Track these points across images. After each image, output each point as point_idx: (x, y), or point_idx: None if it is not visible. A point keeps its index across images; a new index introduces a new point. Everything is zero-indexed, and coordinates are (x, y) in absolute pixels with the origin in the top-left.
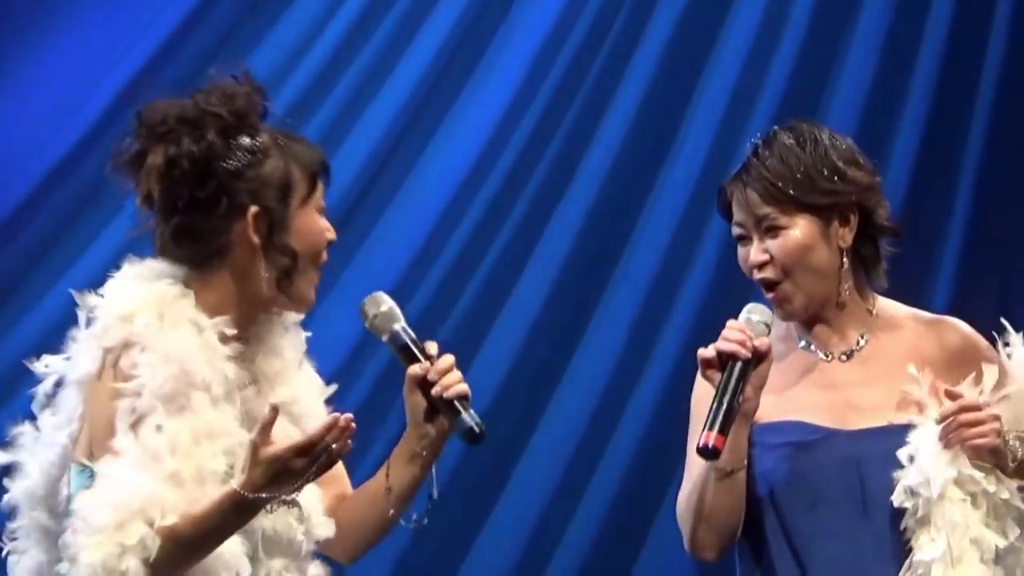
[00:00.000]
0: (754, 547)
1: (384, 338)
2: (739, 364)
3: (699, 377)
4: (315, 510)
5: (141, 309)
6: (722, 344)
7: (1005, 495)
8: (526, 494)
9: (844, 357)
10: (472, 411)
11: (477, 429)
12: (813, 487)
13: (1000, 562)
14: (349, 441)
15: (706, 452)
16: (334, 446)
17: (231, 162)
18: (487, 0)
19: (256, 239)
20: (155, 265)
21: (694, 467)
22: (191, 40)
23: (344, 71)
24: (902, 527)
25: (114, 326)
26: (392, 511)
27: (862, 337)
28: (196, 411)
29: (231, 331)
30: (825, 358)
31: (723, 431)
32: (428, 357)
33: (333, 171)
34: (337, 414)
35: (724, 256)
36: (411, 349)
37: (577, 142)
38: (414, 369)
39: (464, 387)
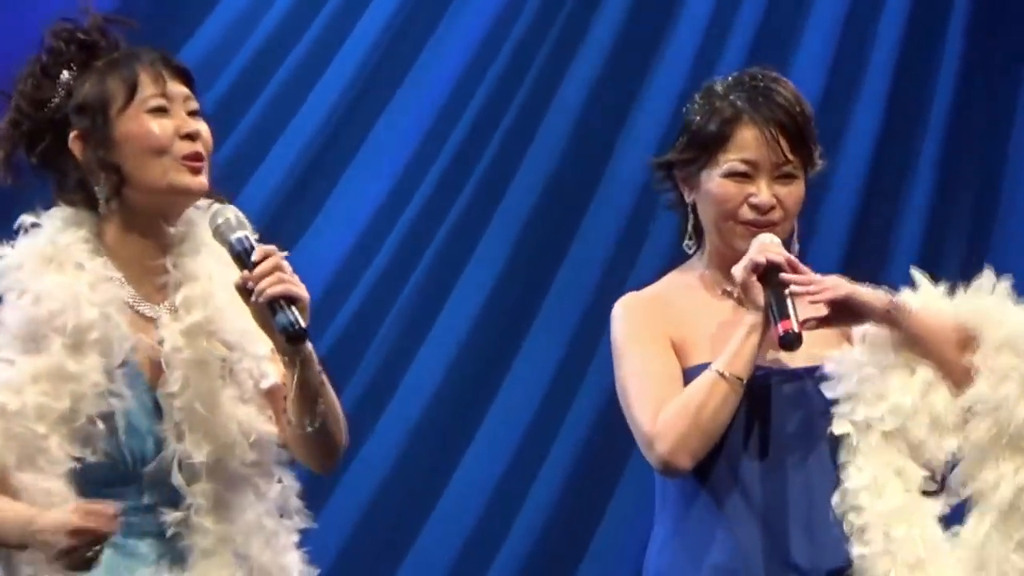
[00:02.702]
0: (699, 477)
1: (226, 249)
2: (784, 276)
3: (627, 313)
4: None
5: (30, 256)
6: (771, 254)
7: (921, 433)
8: (468, 490)
9: None
10: (292, 310)
11: (292, 328)
12: (764, 422)
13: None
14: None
15: (791, 338)
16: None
17: (52, 101)
18: None
19: (86, 161)
20: (60, 213)
21: (656, 381)
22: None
23: (291, 46)
24: (839, 458)
25: (5, 275)
26: (302, 422)
27: None
28: (50, 353)
29: (114, 274)
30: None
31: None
32: (254, 264)
33: (280, 149)
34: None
35: (674, 247)
36: (241, 258)
37: (530, 117)
38: (236, 279)
39: (278, 288)
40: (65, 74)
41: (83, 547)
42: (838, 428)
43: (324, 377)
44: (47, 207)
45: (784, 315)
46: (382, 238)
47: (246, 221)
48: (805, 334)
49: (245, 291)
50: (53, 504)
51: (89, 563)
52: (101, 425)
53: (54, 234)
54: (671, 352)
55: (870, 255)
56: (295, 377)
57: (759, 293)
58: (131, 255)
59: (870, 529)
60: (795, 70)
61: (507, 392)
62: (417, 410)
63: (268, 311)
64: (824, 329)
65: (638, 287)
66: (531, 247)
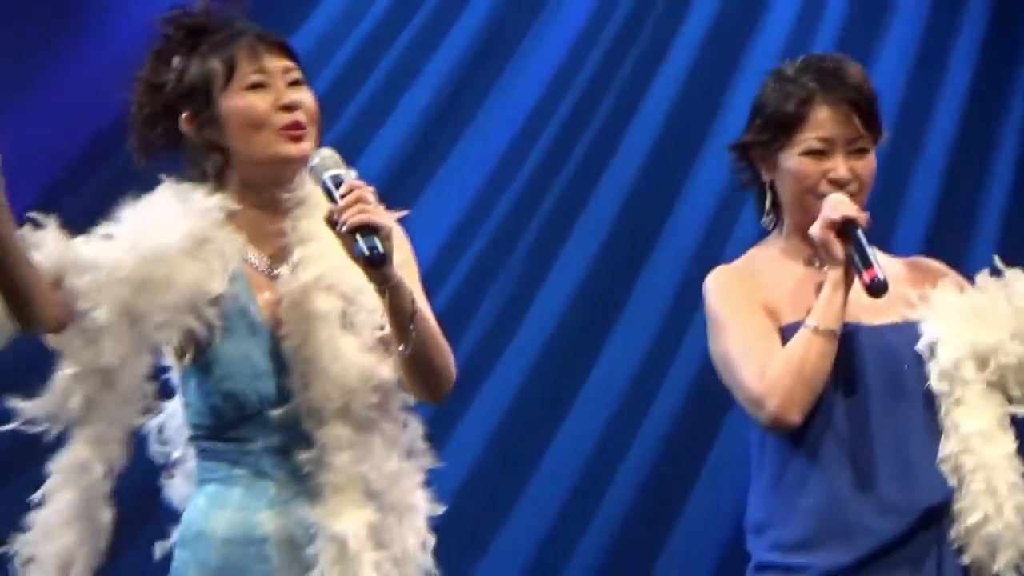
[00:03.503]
0: (799, 428)
1: (320, 187)
2: (860, 230)
3: (721, 284)
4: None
5: (158, 201)
6: (847, 211)
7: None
8: (561, 465)
9: None
10: (371, 237)
11: (369, 252)
12: (855, 374)
13: None
14: None
15: (879, 284)
16: None
17: (166, 86)
18: None
19: (196, 140)
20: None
21: (757, 343)
22: None
23: (385, 51)
24: (938, 408)
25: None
26: (396, 347)
27: None
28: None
29: (236, 208)
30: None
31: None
32: (340, 198)
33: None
34: None
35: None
36: (330, 194)
37: (622, 111)
38: (324, 214)
39: (358, 217)
40: (176, 59)
41: None
42: (939, 381)
43: (417, 306)
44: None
45: (867, 264)
46: (481, 222)
47: (341, 161)
48: (891, 298)
49: (332, 223)
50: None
51: None
52: (222, 345)
53: (181, 193)
54: (765, 315)
55: (952, 240)
56: (386, 304)
57: (838, 249)
58: (250, 221)
59: (981, 471)
60: (880, 63)
61: (608, 356)
62: (522, 373)
63: (351, 239)
64: (904, 289)
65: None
66: (625, 233)
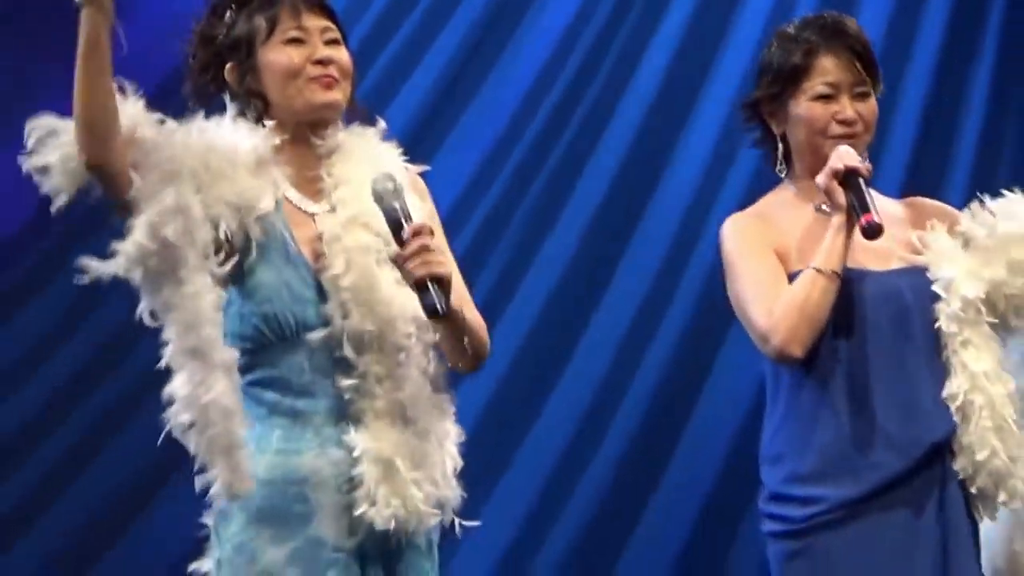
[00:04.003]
0: (806, 369)
1: (384, 214)
2: (861, 179)
3: (736, 229)
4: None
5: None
6: (850, 160)
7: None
8: (552, 428)
9: None
10: (434, 290)
11: (432, 307)
12: (862, 316)
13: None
14: None
15: (874, 228)
16: None
17: (217, 38)
18: None
19: (238, 89)
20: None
21: (767, 282)
22: None
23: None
24: (944, 349)
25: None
26: (453, 359)
27: None
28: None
29: (278, 142)
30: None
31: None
32: (401, 241)
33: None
34: None
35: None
36: (394, 229)
37: (616, 86)
38: (391, 254)
39: (422, 271)
40: (228, 14)
41: None
42: (949, 322)
43: (464, 315)
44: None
45: (865, 209)
46: (495, 174)
47: (399, 187)
48: (896, 242)
49: (397, 264)
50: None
51: None
52: (259, 272)
53: (240, 121)
54: (775, 258)
55: (930, 173)
56: (440, 331)
57: (841, 196)
58: (291, 164)
59: (989, 407)
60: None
61: (607, 307)
62: (531, 320)
63: (414, 288)
64: (906, 232)
65: (711, 234)
66: (620, 197)
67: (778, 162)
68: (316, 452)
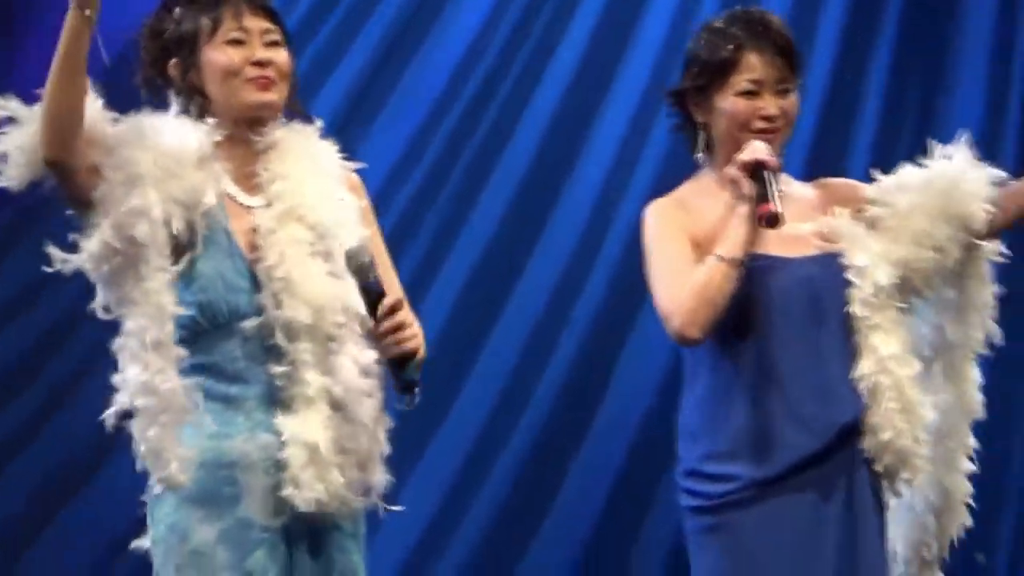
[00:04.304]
0: (724, 351)
1: (359, 283)
2: (770, 172)
3: (654, 214)
4: None
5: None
6: (759, 154)
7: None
8: (496, 364)
9: None
10: (408, 368)
11: (404, 383)
12: (777, 302)
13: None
14: None
15: (772, 217)
16: None
17: (166, 33)
18: None
19: (181, 85)
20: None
21: (676, 266)
22: None
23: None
24: (854, 332)
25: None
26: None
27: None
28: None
29: (219, 138)
30: None
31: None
32: (377, 318)
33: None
34: None
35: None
36: (371, 300)
37: (529, 79)
38: (371, 328)
39: (396, 350)
40: (177, 10)
41: None
42: (860, 306)
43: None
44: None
45: (764, 199)
46: (419, 157)
47: (374, 261)
48: (810, 228)
49: (373, 336)
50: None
51: None
52: (199, 264)
53: (186, 122)
54: (688, 245)
55: (832, 151)
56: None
57: (747, 187)
58: (230, 159)
59: (896, 388)
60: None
61: (522, 290)
62: (450, 303)
63: (388, 363)
64: (828, 227)
65: (625, 220)
66: (536, 181)
67: (699, 149)
68: (246, 436)
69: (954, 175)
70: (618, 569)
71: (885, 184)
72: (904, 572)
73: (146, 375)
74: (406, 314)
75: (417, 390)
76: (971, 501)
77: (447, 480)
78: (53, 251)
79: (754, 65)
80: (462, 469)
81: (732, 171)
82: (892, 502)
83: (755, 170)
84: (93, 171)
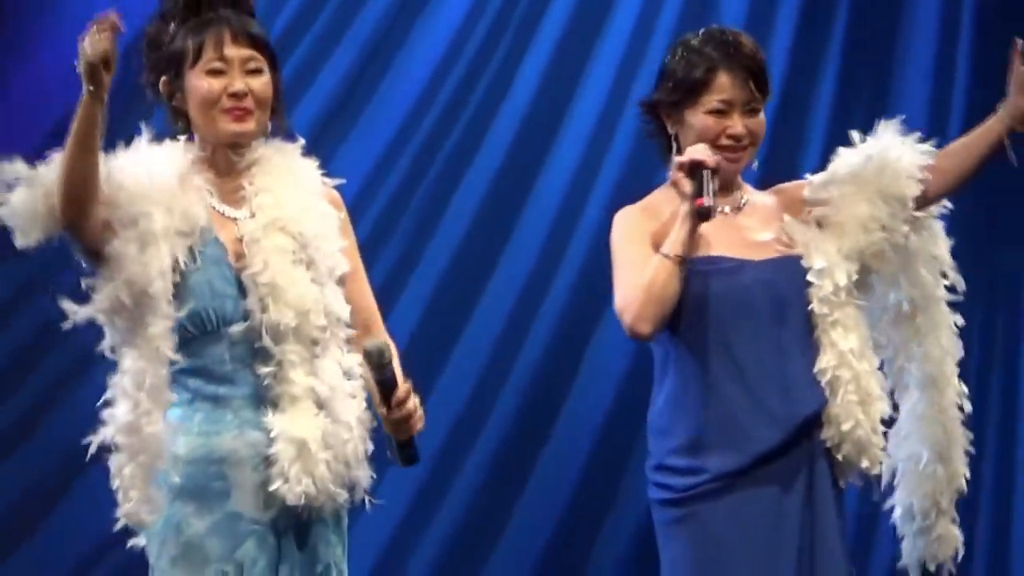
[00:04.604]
0: (692, 349)
1: (374, 375)
2: (708, 171)
3: (621, 219)
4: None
5: (141, 152)
6: (697, 155)
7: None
8: (472, 353)
9: (735, 210)
10: (412, 446)
11: (414, 458)
12: (740, 302)
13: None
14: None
15: (704, 211)
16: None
17: (162, 46)
18: None
19: (168, 102)
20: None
21: (634, 267)
22: None
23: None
24: (815, 329)
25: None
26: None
27: (742, 197)
28: (149, 220)
29: (204, 155)
30: (721, 213)
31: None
32: (390, 407)
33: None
34: None
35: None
36: (385, 389)
37: (498, 88)
38: (380, 410)
39: (405, 435)
40: (172, 25)
41: (95, 36)
42: (820, 304)
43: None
44: None
45: (698, 194)
46: (391, 166)
47: (393, 357)
48: (772, 234)
49: (384, 420)
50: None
51: (101, 53)
52: (190, 275)
53: (159, 148)
54: (648, 247)
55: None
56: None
57: (686, 186)
58: (214, 174)
59: (855, 381)
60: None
61: (491, 293)
62: (428, 294)
63: (396, 443)
64: (788, 230)
65: (588, 224)
66: (502, 193)
67: (670, 157)
68: (235, 434)
69: (882, 156)
70: (581, 564)
71: (818, 182)
72: (922, 524)
73: (133, 416)
74: (413, 401)
75: (418, 460)
76: (970, 447)
77: (418, 477)
78: (67, 305)
79: (725, 86)
80: (432, 467)
81: (672, 172)
82: (900, 463)
83: (693, 169)
84: (105, 226)
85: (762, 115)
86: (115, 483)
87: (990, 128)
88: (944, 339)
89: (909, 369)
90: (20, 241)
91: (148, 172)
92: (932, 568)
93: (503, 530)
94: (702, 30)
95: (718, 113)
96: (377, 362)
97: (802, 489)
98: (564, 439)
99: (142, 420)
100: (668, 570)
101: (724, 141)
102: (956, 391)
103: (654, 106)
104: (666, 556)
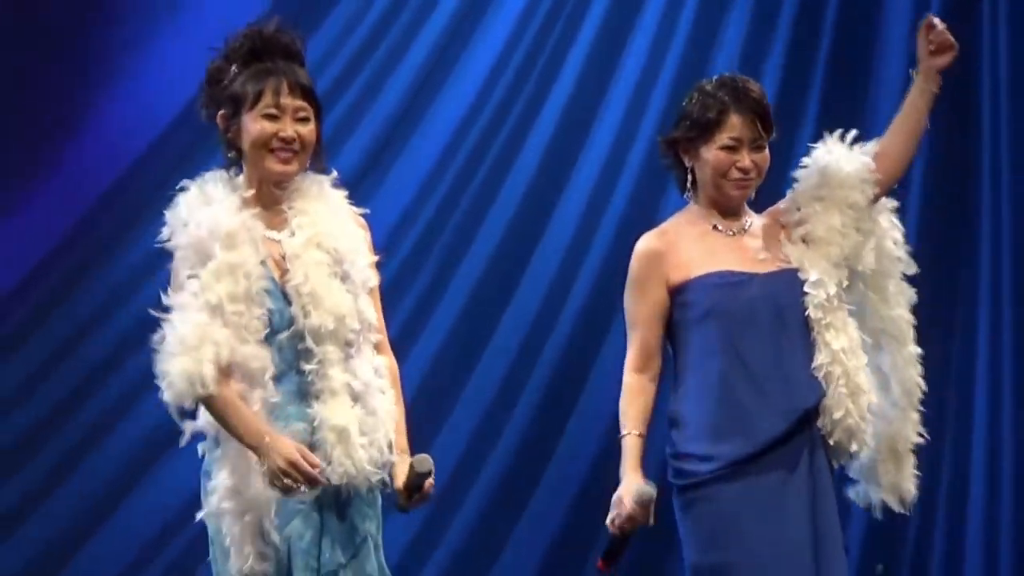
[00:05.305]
0: (706, 351)
1: (411, 480)
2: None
3: (636, 254)
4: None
5: (191, 200)
6: (625, 523)
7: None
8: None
9: (741, 232)
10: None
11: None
12: (746, 311)
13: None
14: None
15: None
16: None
17: (222, 81)
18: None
19: (224, 136)
20: (213, 175)
21: (636, 329)
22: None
23: (361, 70)
24: (812, 331)
25: (174, 213)
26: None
27: (747, 221)
28: (216, 256)
29: (249, 194)
30: (729, 233)
31: (610, 562)
32: (410, 498)
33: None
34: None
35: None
36: (409, 491)
37: (518, 138)
38: (399, 492)
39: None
40: (234, 66)
41: (290, 478)
42: (816, 310)
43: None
44: None
45: (608, 557)
46: (428, 200)
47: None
48: (771, 251)
49: (403, 499)
50: (262, 367)
51: (288, 490)
52: (266, 296)
53: (205, 185)
54: (656, 303)
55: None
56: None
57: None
58: (259, 201)
59: (845, 376)
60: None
61: (528, 281)
62: (463, 298)
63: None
64: (775, 242)
65: (600, 243)
66: (520, 226)
67: (687, 188)
68: (282, 426)
69: (831, 171)
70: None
71: (783, 207)
72: (878, 469)
73: (232, 480)
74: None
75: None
76: (921, 403)
77: (456, 458)
78: (188, 424)
79: (735, 125)
80: (454, 471)
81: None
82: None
83: (623, 535)
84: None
85: (767, 151)
86: (225, 541)
87: (916, 99)
88: (896, 311)
89: (873, 329)
90: (171, 399)
91: (211, 233)
92: (895, 506)
93: (518, 520)
94: (715, 77)
95: (729, 149)
96: (418, 475)
97: (804, 470)
98: (577, 433)
99: (241, 485)
100: (686, 544)
101: (734, 174)
102: (913, 350)
103: (672, 143)
104: (686, 533)
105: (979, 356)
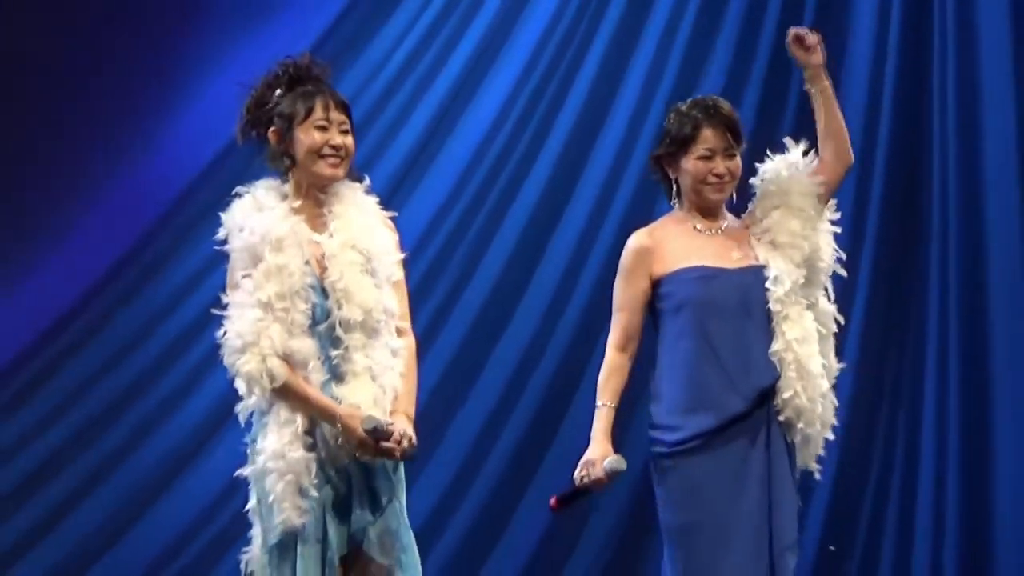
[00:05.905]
0: (680, 335)
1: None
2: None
3: (627, 248)
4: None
5: (244, 206)
6: (591, 484)
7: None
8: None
9: (719, 232)
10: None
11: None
12: (716, 301)
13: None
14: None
15: (551, 506)
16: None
17: (267, 105)
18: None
19: (277, 148)
20: (263, 183)
21: (621, 312)
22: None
23: (397, 91)
24: (772, 322)
25: (230, 217)
26: None
27: (724, 223)
28: (267, 259)
29: (296, 203)
30: (708, 233)
31: (563, 505)
32: (376, 448)
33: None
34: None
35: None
36: (375, 439)
37: (527, 160)
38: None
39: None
40: (279, 91)
41: (367, 450)
42: (775, 303)
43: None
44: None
45: (565, 498)
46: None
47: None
48: (743, 250)
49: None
50: (306, 357)
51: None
52: (311, 292)
53: (257, 192)
54: (640, 292)
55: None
56: None
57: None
58: (304, 205)
59: (796, 362)
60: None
61: (541, 277)
62: (479, 302)
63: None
64: (748, 241)
65: (599, 252)
66: (530, 238)
67: (673, 196)
68: None
69: (784, 182)
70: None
71: (751, 214)
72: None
73: (277, 444)
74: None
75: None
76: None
77: (465, 445)
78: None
79: (708, 138)
80: (459, 467)
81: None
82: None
83: (585, 492)
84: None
85: (738, 158)
86: (270, 497)
87: (821, 102)
88: (815, 278)
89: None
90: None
91: (263, 237)
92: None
93: (521, 501)
94: (689, 99)
95: (705, 159)
96: (371, 428)
97: (762, 443)
98: (574, 429)
99: (286, 448)
100: (660, 506)
101: (711, 179)
102: (823, 310)
103: (658, 159)
104: (660, 495)
105: (928, 345)
